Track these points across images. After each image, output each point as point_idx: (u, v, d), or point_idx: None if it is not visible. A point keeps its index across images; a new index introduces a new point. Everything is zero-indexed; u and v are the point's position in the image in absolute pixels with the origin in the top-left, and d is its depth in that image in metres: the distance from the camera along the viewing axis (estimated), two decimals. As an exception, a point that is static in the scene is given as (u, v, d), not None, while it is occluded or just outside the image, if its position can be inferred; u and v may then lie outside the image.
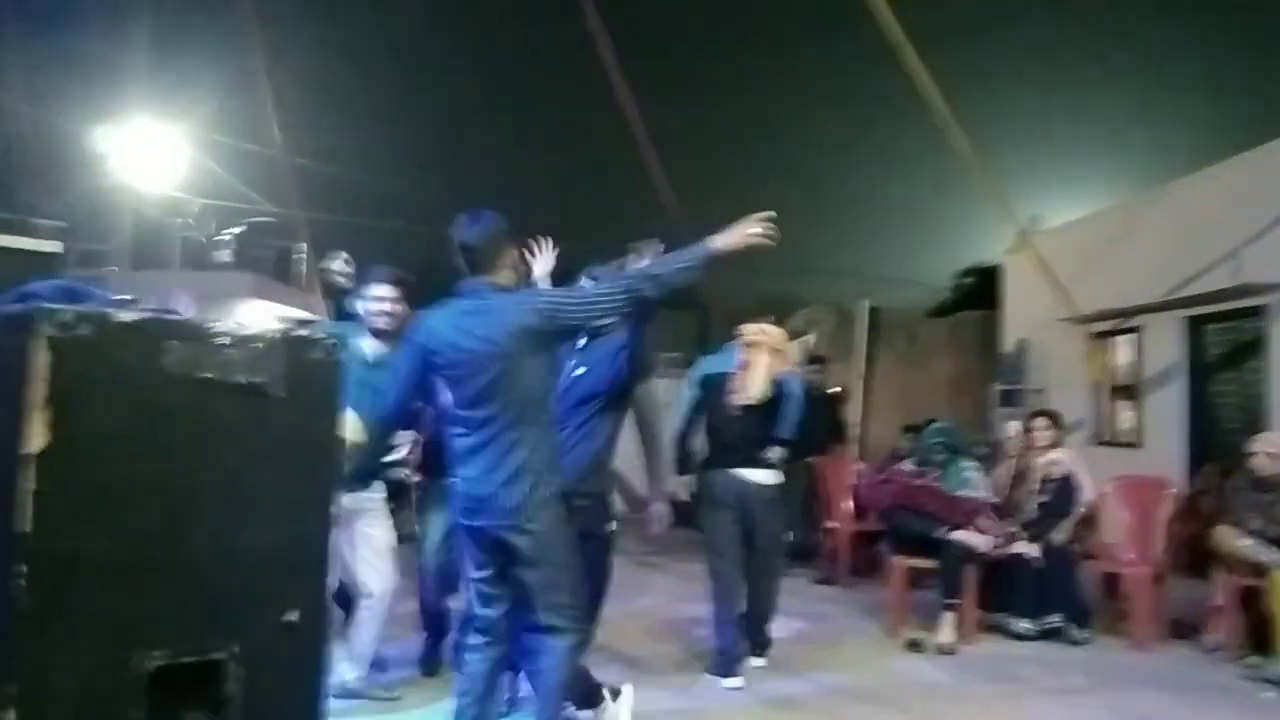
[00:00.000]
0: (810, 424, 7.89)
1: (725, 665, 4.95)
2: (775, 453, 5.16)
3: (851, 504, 8.17)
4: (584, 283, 3.86)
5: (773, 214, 3.25)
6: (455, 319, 3.26)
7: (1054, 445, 6.61)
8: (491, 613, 3.36)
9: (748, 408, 5.10)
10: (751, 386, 5.13)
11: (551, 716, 3.36)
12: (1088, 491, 6.45)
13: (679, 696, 4.75)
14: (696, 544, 5.30)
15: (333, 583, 3.71)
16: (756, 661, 5.24)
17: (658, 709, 4.37)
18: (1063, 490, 6.38)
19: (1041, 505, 6.39)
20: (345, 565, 4.01)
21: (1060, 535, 6.27)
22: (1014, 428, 7.23)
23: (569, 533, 3.31)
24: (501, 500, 3.19)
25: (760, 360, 5.20)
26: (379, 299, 4.22)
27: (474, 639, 3.40)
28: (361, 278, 4.44)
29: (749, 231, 3.23)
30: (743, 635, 5.12)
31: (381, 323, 4.20)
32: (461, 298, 3.30)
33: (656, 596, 7.08)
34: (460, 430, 3.28)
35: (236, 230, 14.46)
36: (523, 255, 3.75)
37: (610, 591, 4.07)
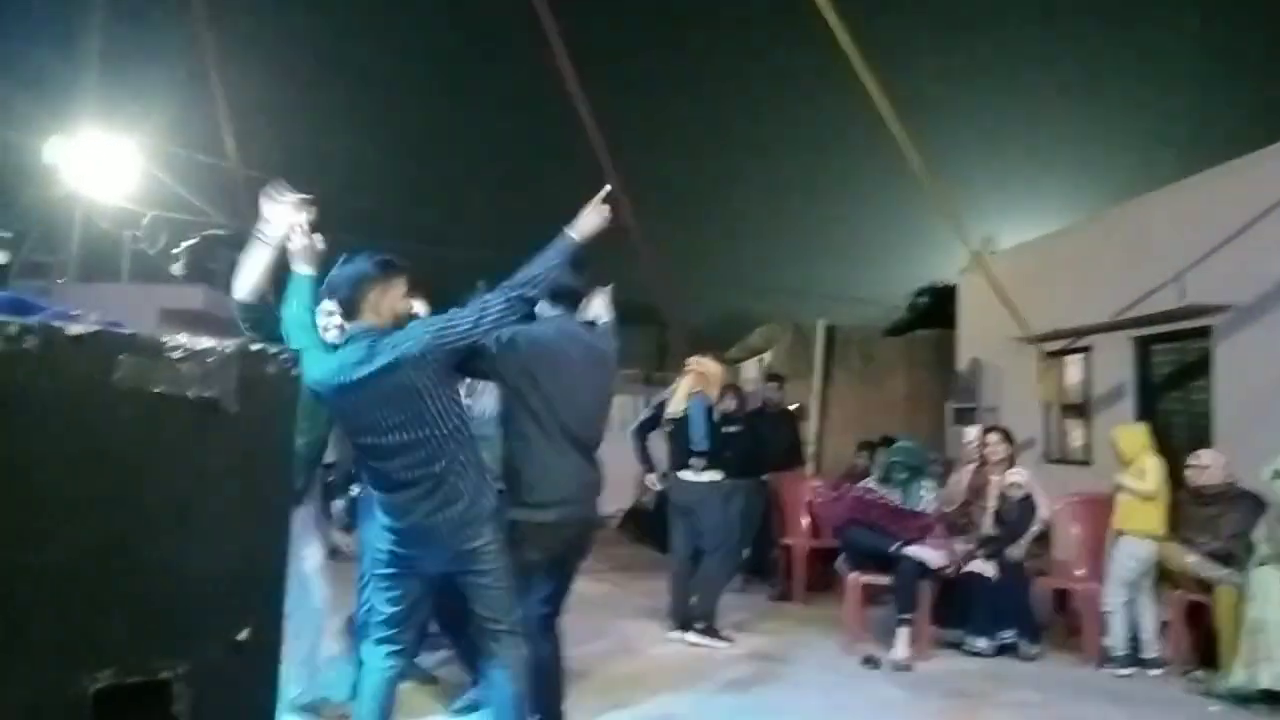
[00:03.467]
0: (766, 441, 7.97)
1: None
2: (696, 460, 6.43)
3: (808, 521, 8.21)
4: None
5: (609, 188, 3.54)
6: (341, 369, 3.16)
7: (1009, 461, 6.72)
8: (396, 610, 3.31)
9: (673, 421, 6.53)
10: (672, 404, 6.59)
11: None
12: (1044, 511, 6.56)
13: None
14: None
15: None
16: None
17: None
18: (1022, 511, 6.47)
19: (1000, 524, 6.47)
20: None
21: (1017, 552, 6.35)
22: (972, 433, 7.35)
23: (503, 540, 3.31)
24: (439, 531, 3.17)
25: (684, 384, 6.64)
26: (329, 313, 4.20)
27: (377, 645, 3.34)
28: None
29: (599, 214, 3.45)
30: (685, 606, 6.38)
31: (332, 335, 4.18)
32: (346, 345, 3.25)
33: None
34: (383, 468, 3.24)
35: (189, 243, 14.24)
36: (413, 288, 3.62)
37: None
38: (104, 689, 1.77)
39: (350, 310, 3.29)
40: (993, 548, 6.34)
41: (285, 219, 3.63)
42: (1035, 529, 6.47)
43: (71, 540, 1.76)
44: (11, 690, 1.69)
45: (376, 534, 3.40)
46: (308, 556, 4.15)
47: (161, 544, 1.86)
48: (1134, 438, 6.31)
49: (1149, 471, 6.00)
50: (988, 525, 6.49)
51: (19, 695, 1.69)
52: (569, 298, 3.79)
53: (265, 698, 2.02)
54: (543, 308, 3.74)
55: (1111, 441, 6.42)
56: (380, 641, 3.34)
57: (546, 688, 3.70)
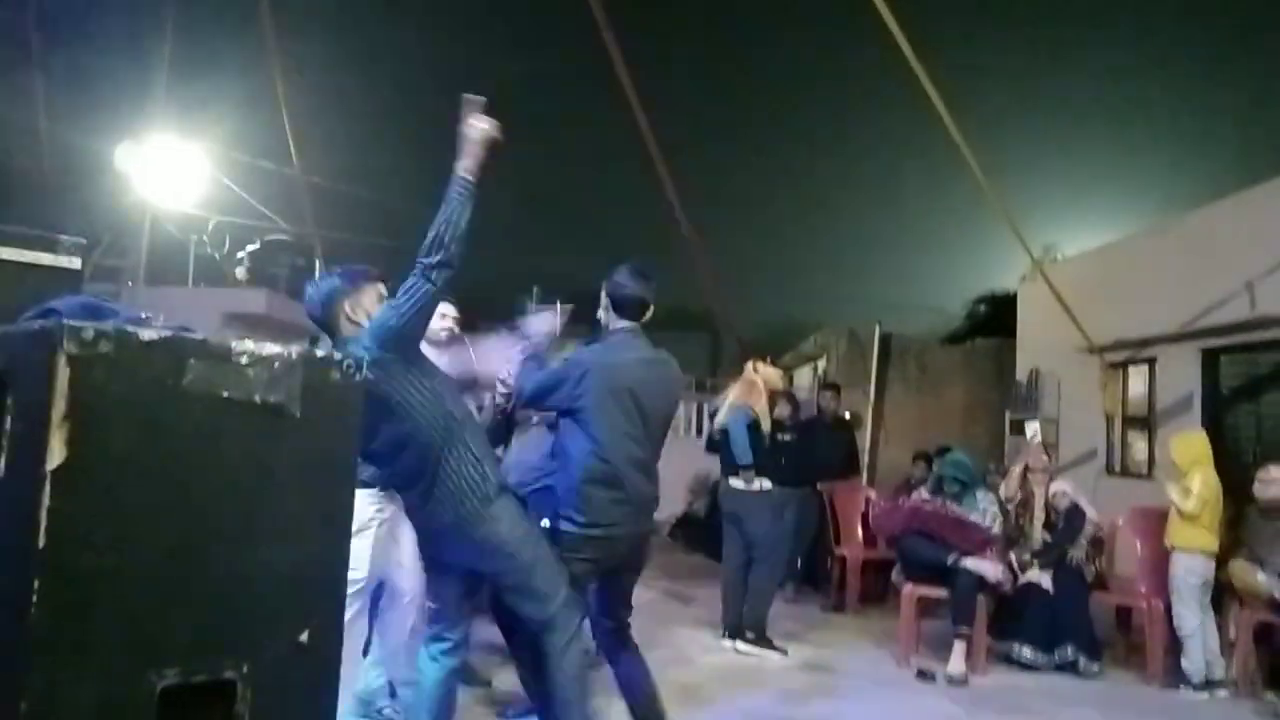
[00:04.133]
0: (821, 449, 7.91)
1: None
2: (745, 471, 6.37)
3: (862, 531, 8.13)
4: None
5: (482, 99, 3.04)
6: None
7: (1051, 474, 6.74)
8: (435, 608, 3.34)
9: (721, 431, 6.54)
10: (719, 415, 6.63)
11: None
12: (1092, 514, 6.47)
13: None
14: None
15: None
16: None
17: None
18: (1070, 517, 6.38)
19: (1051, 533, 6.39)
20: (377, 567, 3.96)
21: (1078, 553, 6.27)
22: (1034, 427, 7.31)
23: (526, 526, 3.27)
24: (449, 534, 3.16)
25: (730, 394, 6.65)
26: (442, 315, 4.25)
27: (425, 645, 3.37)
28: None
29: (481, 132, 3.04)
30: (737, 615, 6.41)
31: (443, 336, 4.29)
32: None
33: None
34: (386, 473, 3.26)
35: (252, 248, 14.55)
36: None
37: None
38: (170, 687, 1.81)
39: (330, 328, 3.23)
40: (1046, 558, 6.24)
41: (546, 324, 3.72)
42: (1089, 531, 6.36)
43: (141, 543, 1.80)
44: (82, 688, 1.73)
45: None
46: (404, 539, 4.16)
47: (227, 546, 1.89)
48: (1191, 447, 6.11)
49: (1194, 489, 5.80)
50: (1038, 536, 6.40)
51: (89, 693, 1.73)
52: (634, 307, 3.72)
53: (325, 698, 2.04)
54: (609, 318, 3.73)
55: (1168, 449, 6.27)
56: (429, 641, 3.38)
57: (643, 697, 3.72)
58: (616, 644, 3.77)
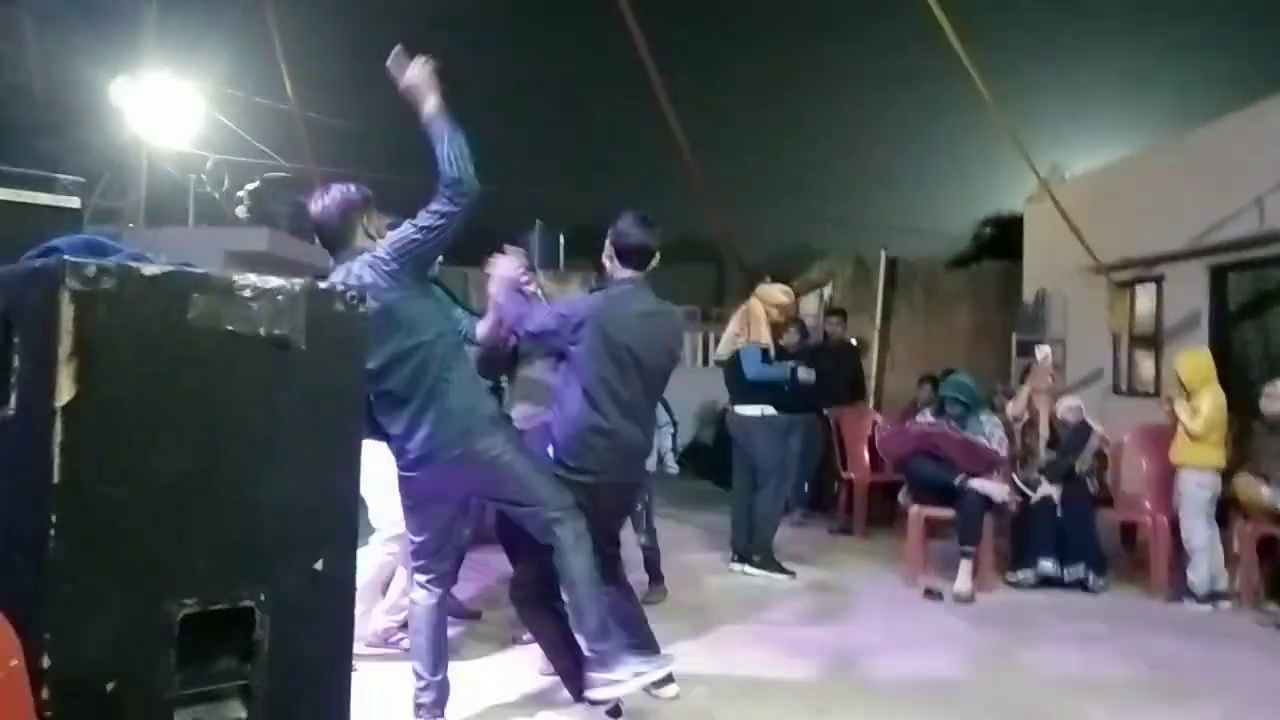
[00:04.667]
0: (827, 375, 7.94)
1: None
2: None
3: (868, 455, 8.18)
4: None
5: (400, 50, 3.12)
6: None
7: (1056, 394, 6.77)
8: (424, 539, 3.39)
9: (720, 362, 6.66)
10: (720, 347, 6.69)
11: (595, 628, 3.29)
12: (1099, 430, 6.49)
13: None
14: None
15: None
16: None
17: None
18: (1078, 431, 6.42)
19: (1056, 449, 6.44)
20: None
21: (1083, 466, 6.31)
22: (1044, 350, 7.32)
23: (519, 442, 3.37)
24: (444, 450, 3.17)
25: (730, 326, 6.60)
26: None
27: (414, 576, 3.45)
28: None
29: (421, 76, 3.09)
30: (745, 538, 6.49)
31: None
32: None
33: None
34: (379, 390, 3.20)
35: (252, 186, 14.44)
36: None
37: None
38: (190, 614, 1.85)
39: (340, 238, 3.28)
40: (1054, 470, 6.30)
41: (510, 268, 3.65)
42: (1094, 444, 6.40)
43: (153, 475, 1.82)
44: (103, 617, 1.77)
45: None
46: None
47: (239, 477, 1.92)
48: (1198, 365, 6.08)
49: (1202, 409, 5.81)
50: (1044, 455, 6.45)
51: (110, 621, 1.78)
52: (638, 255, 3.70)
53: (342, 623, 2.09)
54: (613, 267, 3.74)
55: (1174, 368, 6.24)
56: (416, 572, 3.44)
57: (631, 624, 3.76)
58: (602, 577, 3.72)
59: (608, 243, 3.77)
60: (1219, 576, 5.81)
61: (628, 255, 3.70)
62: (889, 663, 4.62)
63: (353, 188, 3.34)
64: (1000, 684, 4.41)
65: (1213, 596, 5.77)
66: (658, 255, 3.78)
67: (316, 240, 3.44)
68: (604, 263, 3.81)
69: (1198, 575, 5.78)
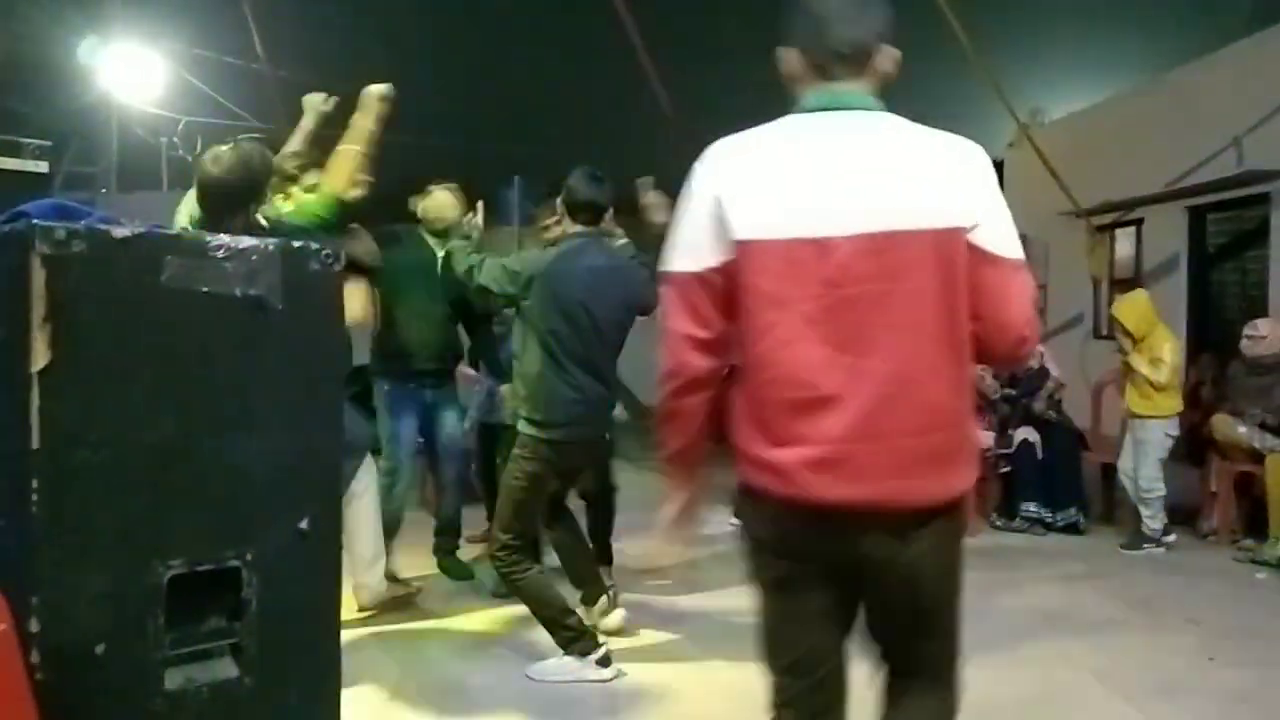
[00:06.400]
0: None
1: None
2: None
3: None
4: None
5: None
6: None
7: None
8: None
9: None
10: None
11: None
12: (1055, 371, 6.46)
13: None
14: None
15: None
16: None
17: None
18: (1033, 376, 6.38)
19: (1011, 398, 6.44)
20: None
21: (1039, 406, 6.33)
22: None
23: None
24: None
25: None
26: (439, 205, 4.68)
27: None
28: None
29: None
30: None
31: (439, 225, 4.64)
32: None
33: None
34: None
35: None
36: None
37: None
38: (177, 576, 1.86)
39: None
40: (1017, 415, 6.32)
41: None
42: (1049, 388, 6.38)
43: (133, 438, 1.82)
44: (90, 580, 1.78)
45: None
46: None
47: (219, 439, 1.92)
48: (1139, 308, 5.82)
49: (1165, 360, 5.61)
50: (995, 392, 6.36)
51: (97, 584, 1.79)
52: (588, 211, 3.77)
53: (328, 581, 2.11)
54: (566, 224, 3.82)
55: (1114, 317, 5.94)
56: None
57: (578, 558, 4.14)
58: (551, 514, 4.02)
59: (558, 200, 3.88)
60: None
61: (577, 211, 3.76)
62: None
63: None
64: (982, 622, 4.45)
65: (1164, 531, 5.79)
66: (611, 211, 3.90)
67: None
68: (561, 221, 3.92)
69: (1157, 522, 5.75)
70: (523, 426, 3.67)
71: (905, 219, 1.70)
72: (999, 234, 1.78)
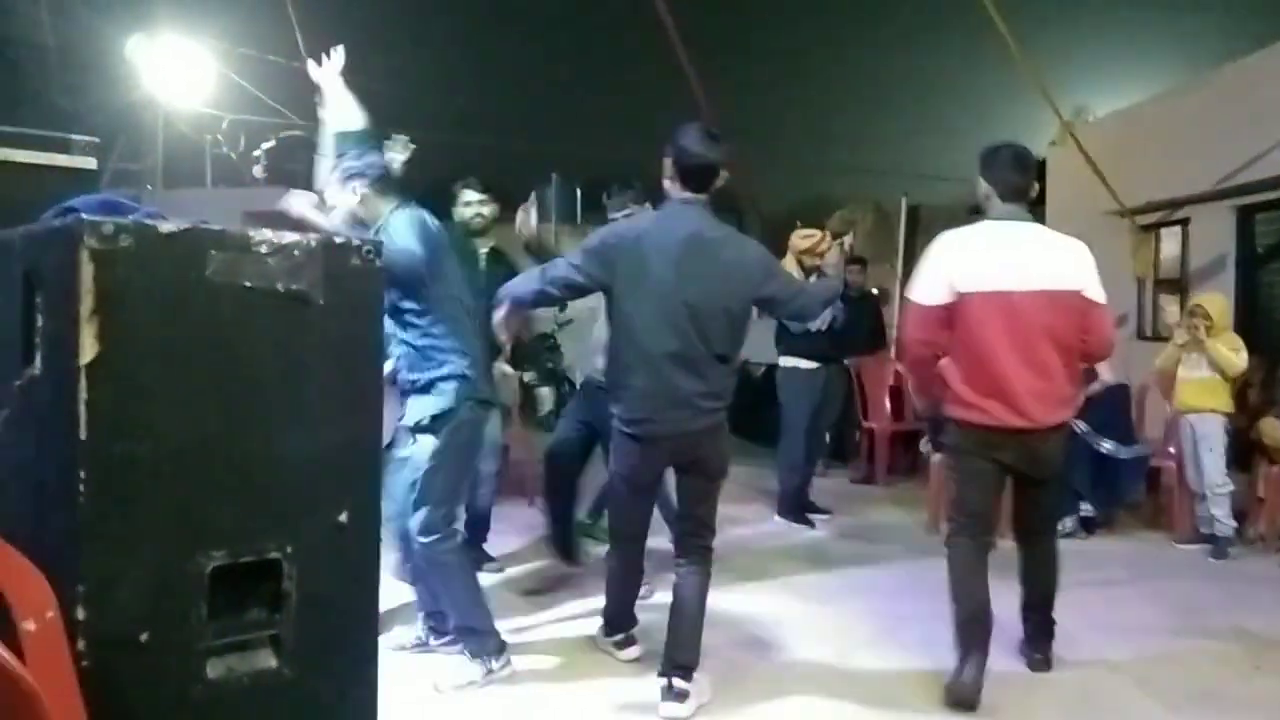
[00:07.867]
0: (848, 324, 7.91)
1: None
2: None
3: (889, 404, 8.17)
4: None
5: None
6: None
7: None
8: None
9: None
10: None
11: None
12: (1107, 376, 6.35)
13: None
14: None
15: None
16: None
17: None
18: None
19: None
20: None
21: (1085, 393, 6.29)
22: None
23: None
24: None
25: None
26: (471, 203, 4.94)
27: None
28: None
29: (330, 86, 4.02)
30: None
31: (476, 223, 4.94)
32: None
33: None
34: None
35: (268, 145, 14.40)
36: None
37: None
38: (220, 567, 1.88)
39: None
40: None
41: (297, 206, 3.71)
42: (1096, 387, 6.22)
43: (177, 430, 1.84)
44: (135, 570, 1.80)
45: None
46: None
47: (261, 432, 1.94)
48: (1220, 304, 5.94)
49: (1242, 350, 5.65)
50: None
51: (143, 574, 1.81)
52: (701, 174, 3.31)
53: (368, 574, 2.12)
54: (672, 188, 3.38)
55: (1202, 306, 5.92)
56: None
57: (680, 622, 3.42)
58: (679, 551, 3.53)
59: (668, 162, 3.37)
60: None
61: (688, 175, 3.32)
62: (911, 608, 4.63)
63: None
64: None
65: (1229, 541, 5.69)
66: (722, 175, 3.40)
67: None
68: (665, 185, 3.42)
69: (1231, 520, 5.65)
70: (614, 424, 3.44)
71: (1052, 282, 3.55)
72: (1096, 290, 3.63)
